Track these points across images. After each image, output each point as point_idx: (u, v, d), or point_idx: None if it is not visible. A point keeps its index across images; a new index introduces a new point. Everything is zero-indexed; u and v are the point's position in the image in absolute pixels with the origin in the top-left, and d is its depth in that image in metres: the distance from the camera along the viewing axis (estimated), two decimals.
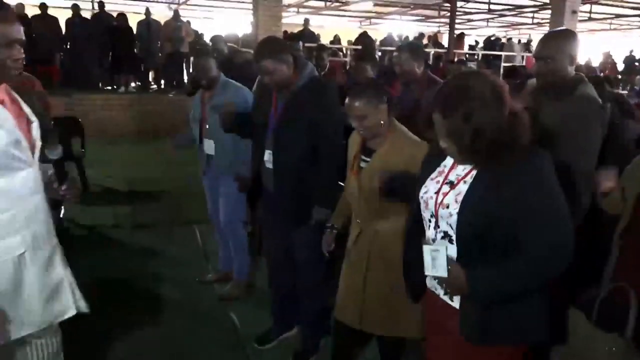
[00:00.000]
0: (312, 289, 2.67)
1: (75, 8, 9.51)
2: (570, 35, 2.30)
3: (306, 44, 8.20)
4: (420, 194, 1.62)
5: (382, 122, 2.04)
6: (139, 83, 10.51)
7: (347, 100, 2.06)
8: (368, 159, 2.12)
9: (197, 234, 4.35)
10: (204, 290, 3.41)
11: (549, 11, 12.43)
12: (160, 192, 5.54)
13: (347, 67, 8.64)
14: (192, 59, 11.45)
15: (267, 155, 2.58)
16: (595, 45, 18.33)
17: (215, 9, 17.67)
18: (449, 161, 1.60)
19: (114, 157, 5.88)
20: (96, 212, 4.75)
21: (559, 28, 2.25)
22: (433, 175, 1.62)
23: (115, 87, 9.85)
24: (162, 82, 10.73)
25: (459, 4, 14.52)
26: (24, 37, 1.58)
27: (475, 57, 11.65)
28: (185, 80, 11.37)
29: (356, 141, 2.21)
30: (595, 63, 13.57)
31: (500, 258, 1.47)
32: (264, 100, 2.68)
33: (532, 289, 1.50)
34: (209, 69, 3.09)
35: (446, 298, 1.62)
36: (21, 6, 9.26)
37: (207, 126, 3.15)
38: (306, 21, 11.51)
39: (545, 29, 15.87)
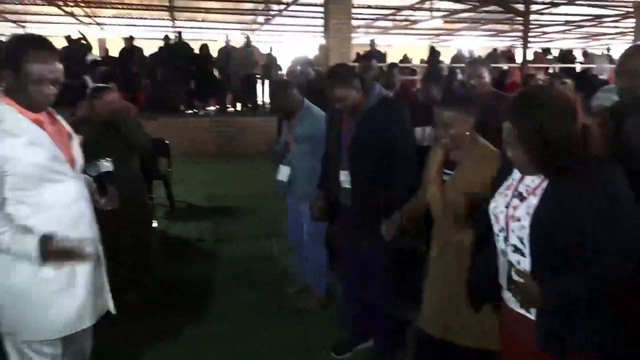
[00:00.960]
0: (386, 301, 2.75)
1: (167, 39, 10.38)
2: None
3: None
4: (490, 208, 1.67)
5: (467, 133, 2.09)
6: (218, 106, 11.14)
7: (436, 108, 2.14)
8: (451, 172, 2.16)
9: (275, 247, 4.57)
10: (282, 300, 3.59)
11: (633, 20, 11.84)
12: (239, 207, 5.87)
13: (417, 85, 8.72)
14: (266, 82, 12.05)
15: (344, 176, 2.71)
16: None
17: (285, 33, 18.39)
18: (517, 175, 1.63)
19: (196, 176, 6.30)
20: (182, 226, 5.14)
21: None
22: (501, 190, 1.66)
23: (196, 110, 10.51)
24: (238, 104, 11.33)
25: (533, 16, 14.15)
26: (58, 76, 1.75)
27: (551, 70, 11.27)
28: (259, 102, 11.92)
29: (437, 155, 2.27)
30: None
31: (573, 270, 1.50)
32: (335, 122, 2.83)
33: (605, 299, 1.52)
34: (289, 101, 3.30)
35: (522, 310, 1.66)
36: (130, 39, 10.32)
37: (292, 151, 3.36)
38: (372, 42, 11.72)
39: (629, 38, 15.09)
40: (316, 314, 3.39)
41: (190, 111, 10.52)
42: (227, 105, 11.43)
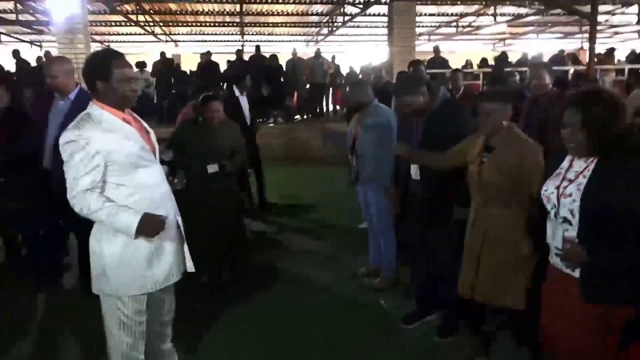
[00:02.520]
0: (449, 278, 3.08)
1: (239, 52, 11.18)
2: None
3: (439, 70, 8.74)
4: (542, 192, 2.03)
5: (504, 122, 2.47)
6: (286, 115, 11.80)
7: (478, 102, 2.53)
8: (488, 154, 2.54)
9: (343, 237, 5.01)
10: (356, 282, 4.01)
11: None
12: (310, 205, 6.40)
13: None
14: (331, 90, 12.61)
15: (414, 170, 3.11)
16: None
17: (346, 43, 18.94)
18: (565, 164, 2.00)
19: (270, 178, 6.81)
20: (263, 221, 5.72)
21: None
22: (551, 177, 2.03)
23: (265, 119, 11.19)
24: (305, 112, 11.92)
25: (603, 17, 13.80)
26: (136, 76, 2.20)
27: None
28: (325, 110, 12.48)
29: (479, 140, 2.63)
30: None
31: (614, 240, 1.81)
32: (405, 124, 3.23)
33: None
34: (362, 95, 3.73)
35: (568, 270, 1.98)
36: (204, 56, 11.33)
37: (358, 142, 3.78)
38: (436, 48, 11.93)
39: None
40: (390, 293, 3.77)
41: (260, 119, 11.21)
42: (295, 114, 12.07)
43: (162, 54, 12.45)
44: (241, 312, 3.54)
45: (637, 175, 1.77)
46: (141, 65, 11.90)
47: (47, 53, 12.97)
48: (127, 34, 16.81)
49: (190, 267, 2.39)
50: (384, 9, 11.60)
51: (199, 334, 3.22)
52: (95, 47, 18.15)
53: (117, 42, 18.06)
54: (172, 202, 2.34)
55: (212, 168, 3.74)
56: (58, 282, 4.03)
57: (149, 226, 2.09)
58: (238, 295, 3.79)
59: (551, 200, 1.99)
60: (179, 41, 18.73)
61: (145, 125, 2.36)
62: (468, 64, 13.66)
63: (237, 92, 5.85)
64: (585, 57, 15.73)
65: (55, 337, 3.26)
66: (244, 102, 5.95)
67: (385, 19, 12.07)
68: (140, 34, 16.39)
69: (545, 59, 11.81)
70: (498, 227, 2.45)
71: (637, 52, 13.10)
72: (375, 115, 3.68)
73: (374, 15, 13.68)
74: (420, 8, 11.61)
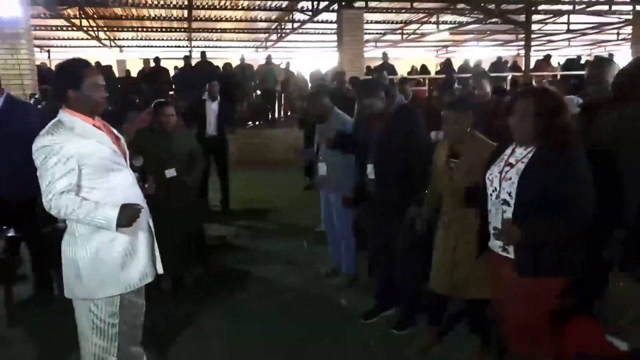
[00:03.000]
0: (409, 274, 3.29)
1: (187, 59, 11.11)
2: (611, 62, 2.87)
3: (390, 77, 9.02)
4: (487, 175, 2.26)
5: (467, 129, 2.69)
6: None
7: (443, 111, 2.73)
8: (456, 160, 2.74)
9: (304, 243, 5.15)
10: (319, 282, 4.17)
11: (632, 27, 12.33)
12: (267, 209, 6.50)
13: (427, 94, 9.32)
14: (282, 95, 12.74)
15: (370, 168, 3.29)
16: None
17: (296, 49, 19.16)
18: (508, 151, 2.24)
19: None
20: (222, 225, 5.75)
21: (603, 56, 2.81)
22: (495, 163, 2.27)
23: None
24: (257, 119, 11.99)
25: (536, 26, 14.69)
26: (103, 84, 2.24)
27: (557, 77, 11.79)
28: (276, 116, 12.59)
29: (443, 150, 2.84)
30: None
31: (547, 216, 2.06)
32: (363, 125, 3.42)
33: (564, 236, 2.08)
34: (322, 107, 3.87)
35: (503, 253, 2.23)
36: (147, 61, 11.01)
37: (321, 151, 3.94)
38: (385, 55, 12.33)
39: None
40: (350, 291, 3.94)
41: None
42: (247, 120, 12.11)
43: (97, 63, 12.07)
44: (208, 315, 3.61)
45: (568, 165, 2.03)
46: None
47: None
48: (69, 39, 16.28)
49: (160, 269, 2.47)
50: (332, 16, 11.87)
51: (167, 337, 3.26)
52: (35, 52, 17.50)
53: (58, 47, 17.45)
54: (144, 204, 2.39)
55: (170, 173, 3.80)
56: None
57: (127, 216, 2.16)
58: (204, 298, 3.84)
59: (494, 184, 2.23)
60: (124, 46, 18.32)
61: (115, 131, 2.41)
62: (413, 70, 14.16)
63: (206, 98, 5.93)
64: (522, 64, 16.68)
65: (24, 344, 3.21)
66: (213, 107, 5.99)
67: (333, 25, 12.38)
68: (83, 39, 15.93)
69: (486, 65, 12.49)
70: (470, 227, 2.60)
71: (570, 59, 14.07)
72: (338, 125, 3.81)
73: (322, 22, 13.95)
74: (367, 16, 11.94)
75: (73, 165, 2.11)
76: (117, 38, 16.99)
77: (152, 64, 11.63)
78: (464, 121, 2.68)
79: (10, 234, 3.71)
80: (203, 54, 11.72)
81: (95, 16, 13.11)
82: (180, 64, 11.55)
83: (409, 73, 13.12)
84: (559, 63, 15.94)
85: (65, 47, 17.38)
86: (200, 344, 3.25)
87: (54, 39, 16.36)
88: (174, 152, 3.84)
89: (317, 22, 13.74)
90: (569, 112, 2.14)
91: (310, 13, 12.23)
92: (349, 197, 3.63)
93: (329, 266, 4.29)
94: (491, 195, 2.25)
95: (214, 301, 3.80)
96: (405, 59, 18.93)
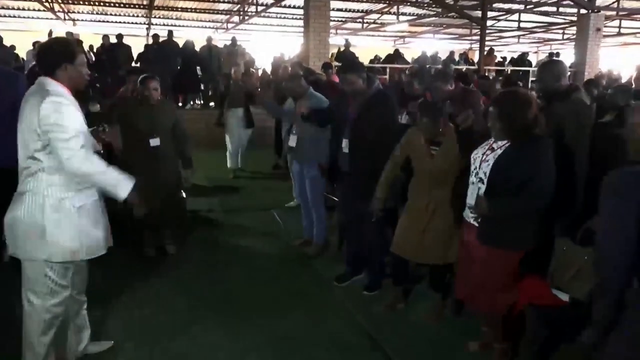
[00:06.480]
0: (377, 244, 3.65)
1: (156, 37, 11.05)
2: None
3: None
4: (473, 155, 2.65)
5: (441, 127, 3.06)
6: (202, 102, 11.88)
7: (418, 120, 3.11)
8: (437, 148, 3.09)
9: (276, 216, 5.46)
10: (293, 251, 4.49)
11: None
12: (235, 187, 6.79)
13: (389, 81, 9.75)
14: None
15: (345, 143, 3.61)
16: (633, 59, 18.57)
17: (254, 32, 19.13)
18: (492, 139, 2.62)
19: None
20: (193, 200, 5.87)
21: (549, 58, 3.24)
22: (483, 145, 2.65)
23: (181, 104, 11.18)
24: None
25: (490, 22, 15.43)
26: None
27: (505, 71, 12.51)
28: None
29: (421, 137, 3.14)
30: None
31: (510, 195, 2.47)
32: (342, 103, 3.73)
33: (528, 213, 2.50)
34: (299, 86, 4.21)
35: (474, 222, 2.61)
36: (107, 37, 10.84)
37: (296, 125, 4.23)
38: (347, 42, 12.60)
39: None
40: (322, 259, 4.30)
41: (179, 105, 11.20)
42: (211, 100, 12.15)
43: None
44: (193, 283, 3.82)
45: (533, 154, 2.44)
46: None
47: None
48: (21, 9, 15.62)
49: (111, 242, 2.60)
50: (298, 1, 12.03)
51: (156, 304, 3.49)
52: None
53: (8, 17, 16.68)
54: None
55: (155, 142, 4.00)
56: None
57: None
58: (186, 266, 4.07)
59: (476, 162, 2.62)
60: (78, 20, 17.71)
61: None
62: (377, 58, 14.54)
63: None
64: (473, 56, 17.45)
65: None
66: None
67: (297, 11, 12.54)
68: (34, 10, 15.33)
69: (443, 56, 13.04)
70: (444, 204, 2.98)
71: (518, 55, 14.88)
72: (313, 103, 4.14)
73: (288, 7, 14.07)
74: (331, 3, 12.19)
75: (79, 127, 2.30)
76: (71, 11, 16.42)
77: (115, 41, 11.43)
78: (438, 124, 3.04)
79: None
80: (170, 32, 11.63)
81: None
82: (137, 41, 11.41)
83: (371, 61, 13.49)
84: (503, 58, 16.85)
85: (15, 17, 16.64)
86: (188, 309, 3.48)
87: (3, 7, 15.64)
88: (158, 123, 4.03)
89: (283, 6, 13.86)
90: (535, 109, 2.48)
91: None
92: (325, 165, 3.96)
93: (303, 238, 4.61)
94: (472, 172, 2.64)
95: (198, 270, 4.05)
96: (363, 47, 19.32)
